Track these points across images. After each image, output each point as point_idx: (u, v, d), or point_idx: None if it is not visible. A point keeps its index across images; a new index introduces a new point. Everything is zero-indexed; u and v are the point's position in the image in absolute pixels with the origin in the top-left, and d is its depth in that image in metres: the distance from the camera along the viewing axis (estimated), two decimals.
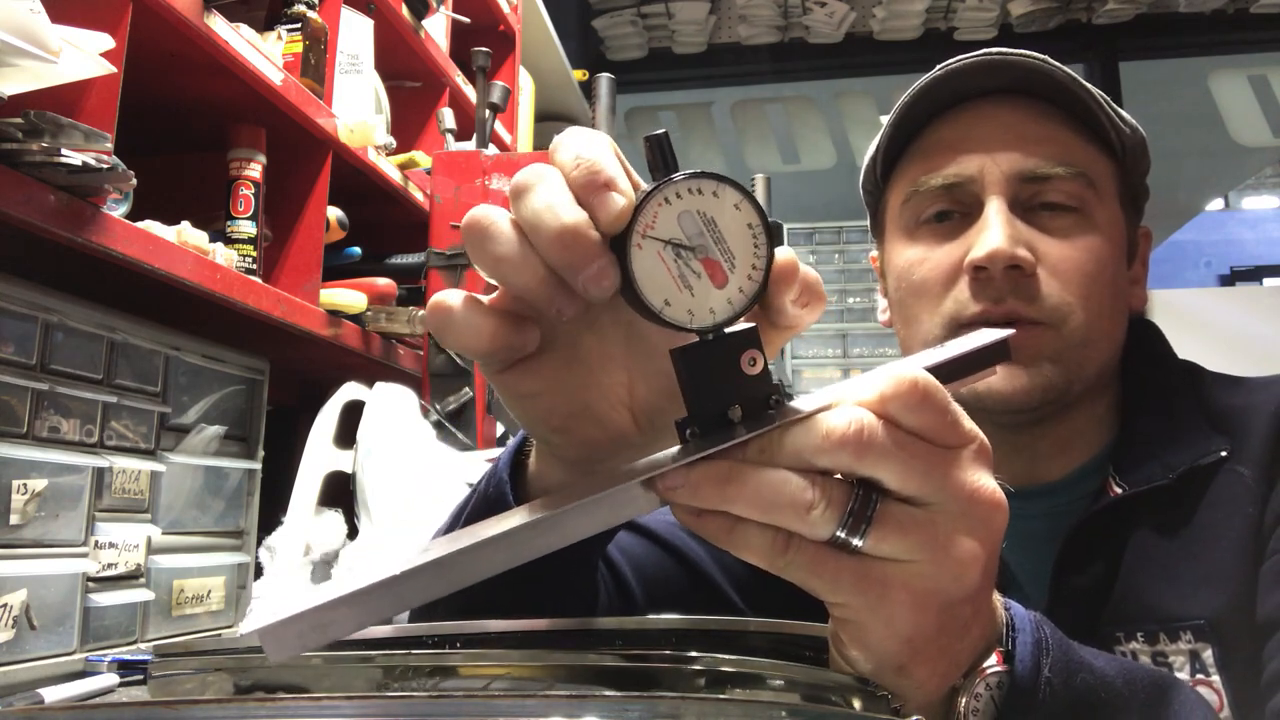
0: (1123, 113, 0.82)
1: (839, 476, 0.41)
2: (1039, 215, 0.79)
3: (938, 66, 0.81)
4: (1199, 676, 0.71)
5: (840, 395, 0.42)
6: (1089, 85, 0.80)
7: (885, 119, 0.85)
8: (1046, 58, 0.79)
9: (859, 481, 0.41)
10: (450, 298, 0.45)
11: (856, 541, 0.40)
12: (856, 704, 0.42)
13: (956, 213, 0.81)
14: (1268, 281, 7.91)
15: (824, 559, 0.41)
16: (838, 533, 0.40)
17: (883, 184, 0.89)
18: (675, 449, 0.42)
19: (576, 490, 0.42)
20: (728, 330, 0.42)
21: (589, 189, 0.41)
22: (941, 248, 0.80)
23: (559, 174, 0.43)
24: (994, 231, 0.76)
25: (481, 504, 0.57)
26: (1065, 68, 0.79)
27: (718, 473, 0.41)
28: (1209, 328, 4.16)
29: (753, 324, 0.43)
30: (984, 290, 0.77)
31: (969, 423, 0.43)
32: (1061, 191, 0.78)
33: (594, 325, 0.48)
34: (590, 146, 0.43)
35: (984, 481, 0.42)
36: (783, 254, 0.43)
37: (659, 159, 0.42)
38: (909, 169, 0.84)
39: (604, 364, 0.48)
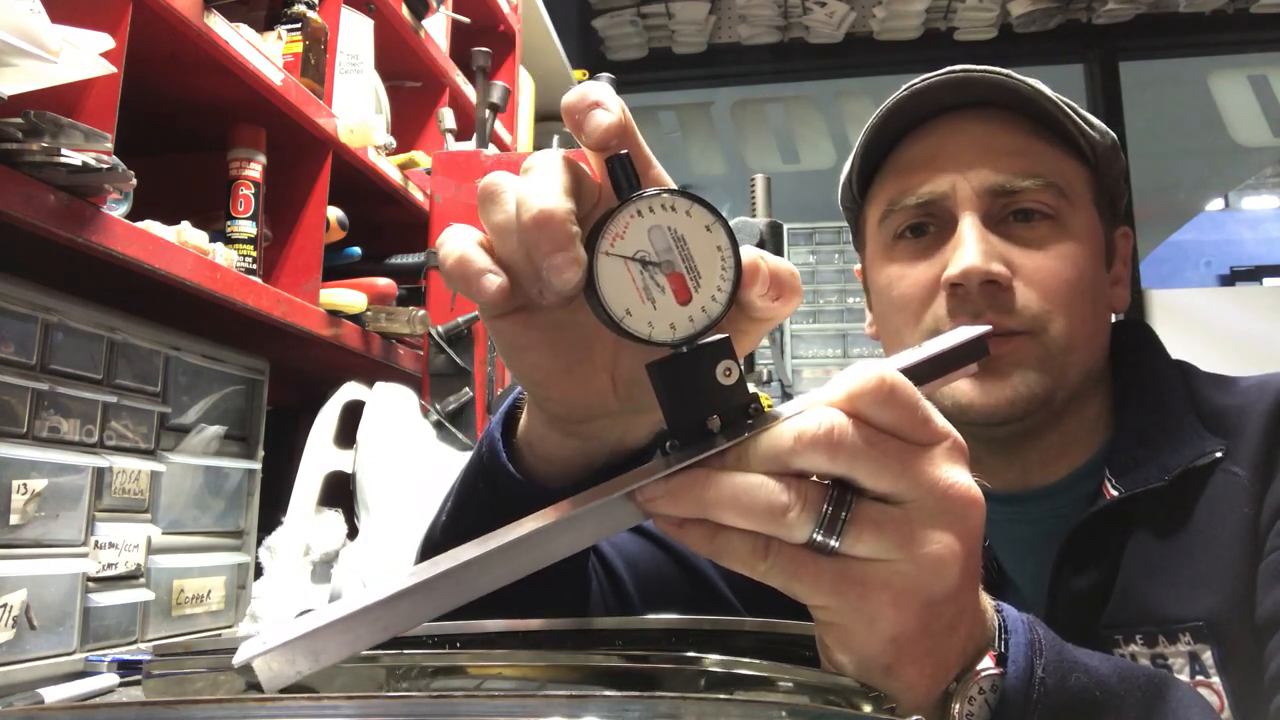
0: (1091, 118, 0.83)
1: (815, 479, 0.41)
2: (1013, 226, 0.80)
3: (904, 86, 0.83)
4: (1199, 678, 0.71)
5: (813, 399, 0.42)
6: (1054, 95, 0.81)
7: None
8: (1009, 72, 0.80)
9: (834, 483, 0.41)
10: (464, 246, 0.46)
11: (834, 542, 0.41)
12: (859, 705, 0.42)
13: (931, 226, 0.82)
14: (1268, 281, 7.90)
15: (803, 562, 0.41)
16: (815, 535, 0.41)
17: (860, 200, 0.90)
18: (656, 462, 0.43)
19: (560, 507, 0.43)
20: (701, 342, 0.43)
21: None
22: (918, 265, 0.82)
23: (560, 160, 0.44)
24: (968, 248, 0.77)
25: (476, 464, 0.59)
26: (1029, 80, 0.81)
27: (695, 481, 0.41)
28: (1209, 328, 4.16)
29: (725, 335, 0.43)
30: (961, 306, 0.78)
31: (941, 420, 0.43)
32: (1033, 201, 0.79)
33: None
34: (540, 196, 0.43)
35: (958, 477, 0.42)
36: (747, 254, 0.44)
37: (621, 178, 0.43)
38: (884, 186, 0.86)
39: (594, 332, 0.49)
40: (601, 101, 0.44)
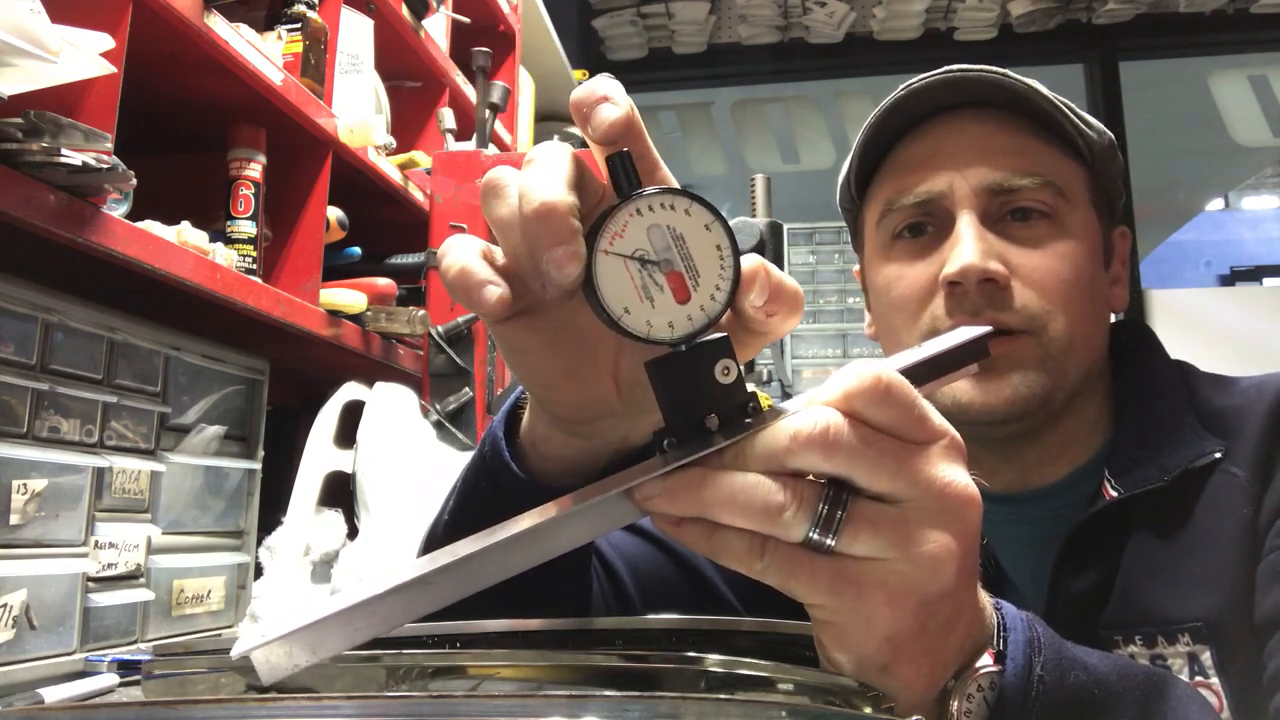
0: (1088, 118, 0.84)
1: (812, 478, 0.41)
2: (1010, 225, 0.80)
3: (901, 86, 0.83)
4: (1198, 679, 0.71)
5: (810, 398, 0.42)
6: (1050, 95, 0.81)
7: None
8: (1006, 71, 0.80)
9: (831, 481, 0.41)
10: (465, 258, 0.46)
11: (830, 541, 0.41)
12: (859, 705, 0.42)
13: (929, 225, 0.82)
14: (1268, 281, 7.90)
15: (799, 560, 0.41)
16: (811, 533, 0.41)
17: (859, 200, 0.90)
18: (654, 460, 0.43)
19: (559, 503, 0.43)
20: (700, 340, 0.43)
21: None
22: (916, 265, 0.82)
23: (564, 152, 0.44)
24: (966, 247, 0.77)
25: (479, 463, 0.59)
26: (1026, 79, 0.81)
27: (691, 479, 0.41)
28: (1209, 328, 4.16)
29: (724, 334, 0.43)
30: (960, 305, 0.78)
31: (938, 418, 0.43)
32: (1031, 200, 0.79)
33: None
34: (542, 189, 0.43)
35: (955, 476, 0.42)
36: (751, 260, 0.44)
37: (621, 177, 0.43)
38: (882, 186, 0.86)
39: (597, 333, 0.49)
40: (609, 96, 0.44)
